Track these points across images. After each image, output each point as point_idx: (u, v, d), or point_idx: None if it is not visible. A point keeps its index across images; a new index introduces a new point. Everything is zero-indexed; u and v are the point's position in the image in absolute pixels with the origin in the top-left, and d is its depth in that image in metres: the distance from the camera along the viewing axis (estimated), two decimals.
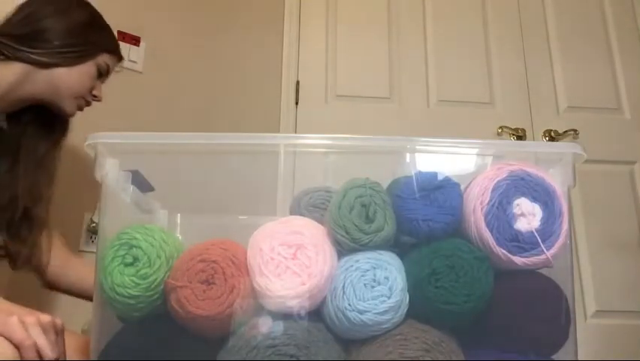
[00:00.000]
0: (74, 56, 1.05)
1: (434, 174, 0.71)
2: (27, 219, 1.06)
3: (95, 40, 1.10)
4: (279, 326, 0.66)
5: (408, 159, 0.74)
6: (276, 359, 0.64)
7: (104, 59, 1.10)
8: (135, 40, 1.81)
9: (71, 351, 0.94)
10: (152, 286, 0.69)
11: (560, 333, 0.69)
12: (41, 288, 1.19)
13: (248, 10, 2.08)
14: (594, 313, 1.87)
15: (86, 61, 1.07)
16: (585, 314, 1.86)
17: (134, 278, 0.69)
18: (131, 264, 0.70)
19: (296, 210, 0.78)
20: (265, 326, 0.66)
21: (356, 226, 0.68)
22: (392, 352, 0.65)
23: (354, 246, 0.68)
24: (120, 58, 1.17)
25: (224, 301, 0.66)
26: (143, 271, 0.69)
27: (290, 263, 0.67)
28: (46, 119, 1.12)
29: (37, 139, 1.10)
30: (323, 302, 0.68)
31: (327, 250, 0.68)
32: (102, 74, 1.12)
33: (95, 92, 1.11)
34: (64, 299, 1.32)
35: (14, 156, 1.08)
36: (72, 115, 1.13)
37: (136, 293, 0.68)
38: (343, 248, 0.69)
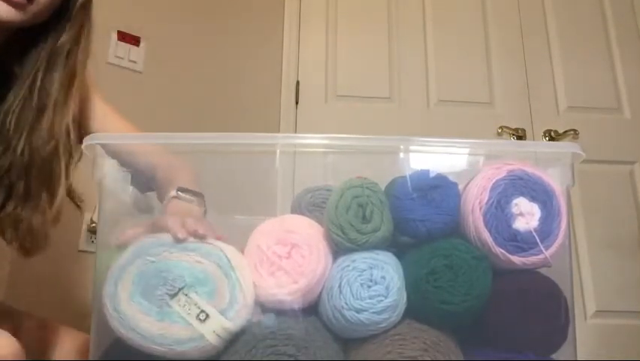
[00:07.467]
0: None
1: (431, 174, 0.71)
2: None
3: None
4: (277, 326, 0.66)
5: (408, 159, 0.74)
6: (274, 359, 0.64)
7: None
8: (135, 40, 1.82)
9: (71, 351, 0.95)
10: None
11: (559, 333, 0.69)
12: (41, 285, 1.15)
13: (248, 10, 2.09)
14: (594, 313, 1.88)
15: None
16: (585, 314, 1.86)
17: None
18: None
19: (297, 209, 0.78)
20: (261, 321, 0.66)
21: (352, 225, 0.68)
22: (391, 351, 0.65)
23: (351, 246, 0.68)
24: None
25: None
26: None
27: (284, 262, 0.67)
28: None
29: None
30: (320, 302, 0.69)
31: (322, 249, 0.68)
32: None
33: None
34: (65, 298, 1.32)
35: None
36: (7, 18, 0.83)
37: None
38: (340, 248, 0.69)
